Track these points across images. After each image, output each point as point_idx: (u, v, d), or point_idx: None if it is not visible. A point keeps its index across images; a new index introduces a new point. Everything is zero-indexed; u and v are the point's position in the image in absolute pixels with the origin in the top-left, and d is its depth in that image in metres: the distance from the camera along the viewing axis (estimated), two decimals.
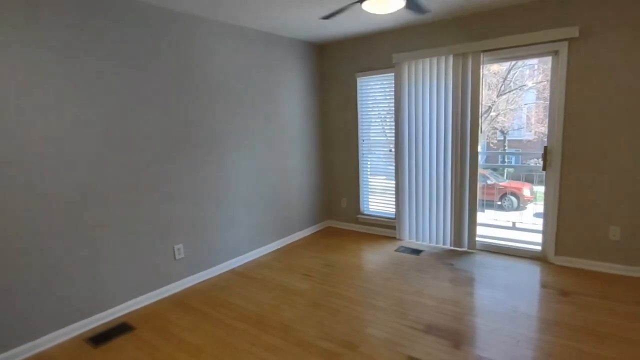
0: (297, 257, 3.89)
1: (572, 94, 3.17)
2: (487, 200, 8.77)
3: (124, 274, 2.82)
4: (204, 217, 3.35)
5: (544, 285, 3.02)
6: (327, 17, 2.53)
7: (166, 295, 3.10)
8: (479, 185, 3.69)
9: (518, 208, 9.18)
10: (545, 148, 3.38)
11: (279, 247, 4.21)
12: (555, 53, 3.24)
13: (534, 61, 11.79)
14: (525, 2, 3.21)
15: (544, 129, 3.14)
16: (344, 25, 3.75)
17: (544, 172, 3.44)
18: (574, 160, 3.25)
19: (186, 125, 3.15)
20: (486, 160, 12.47)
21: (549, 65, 3.33)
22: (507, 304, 2.74)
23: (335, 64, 4.56)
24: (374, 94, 4.36)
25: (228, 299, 3.01)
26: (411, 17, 3.51)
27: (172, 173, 3.07)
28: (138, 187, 2.86)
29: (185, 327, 2.62)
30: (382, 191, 4.53)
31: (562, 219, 3.37)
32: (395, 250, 3.96)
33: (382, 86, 4.28)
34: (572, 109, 3.20)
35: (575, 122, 3.19)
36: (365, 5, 2.31)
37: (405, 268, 3.49)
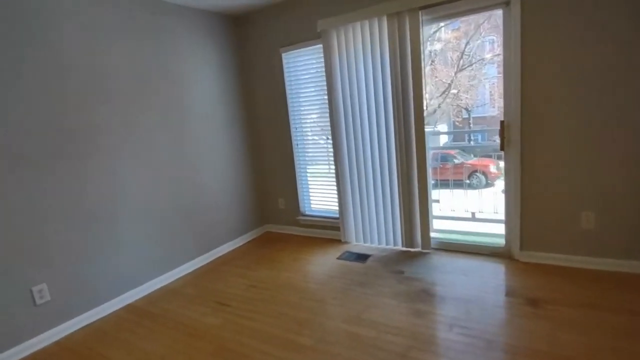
0: (217, 278, 3.17)
1: (528, 54, 2.56)
2: (455, 180, 8.32)
3: None
4: (80, 242, 2.56)
5: (509, 294, 2.44)
6: None
7: (25, 354, 2.32)
8: (433, 169, 3.07)
9: (486, 185, 8.82)
10: (502, 123, 2.77)
11: (200, 265, 3.47)
12: (506, 4, 2.61)
13: (492, 36, 11.34)
14: None
15: None
16: None
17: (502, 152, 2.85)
18: (535, 135, 2.66)
19: (44, 123, 2.34)
20: (453, 140, 12.11)
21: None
22: (465, 329, 2.14)
23: (256, 38, 3.79)
24: (304, 71, 3.64)
25: (105, 351, 2.27)
26: None
27: (28, 187, 2.27)
28: None
29: None
30: (324, 187, 3.86)
31: (525, 207, 2.79)
32: (338, 258, 3.31)
33: (313, 61, 3.57)
34: (529, 74, 2.59)
35: (534, 89, 2.59)
36: None
37: (346, 282, 2.84)
